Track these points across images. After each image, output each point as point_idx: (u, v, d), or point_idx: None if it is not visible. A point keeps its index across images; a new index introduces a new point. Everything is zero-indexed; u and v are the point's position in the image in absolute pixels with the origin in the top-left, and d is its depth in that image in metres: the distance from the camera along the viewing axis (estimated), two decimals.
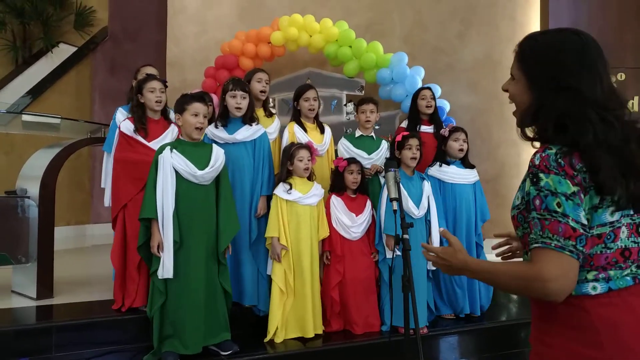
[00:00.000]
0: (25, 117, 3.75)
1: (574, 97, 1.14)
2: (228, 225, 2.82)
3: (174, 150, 2.71)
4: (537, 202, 1.12)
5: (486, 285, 3.49)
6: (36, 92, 5.94)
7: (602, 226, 1.12)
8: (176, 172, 2.69)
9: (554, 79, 1.17)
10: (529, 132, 1.23)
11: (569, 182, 1.09)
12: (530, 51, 1.22)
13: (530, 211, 1.14)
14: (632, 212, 1.15)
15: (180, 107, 2.75)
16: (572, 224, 1.08)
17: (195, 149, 2.78)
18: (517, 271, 1.15)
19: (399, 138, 3.28)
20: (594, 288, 1.13)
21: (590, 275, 1.14)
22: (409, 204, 3.16)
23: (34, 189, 3.42)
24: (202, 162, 2.74)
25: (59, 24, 6.27)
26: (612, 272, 1.14)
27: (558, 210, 1.09)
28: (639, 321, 1.12)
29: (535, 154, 1.15)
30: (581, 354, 1.12)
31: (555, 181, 1.10)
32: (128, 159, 3.07)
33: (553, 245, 1.09)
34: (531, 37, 1.25)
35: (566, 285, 1.10)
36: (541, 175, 1.11)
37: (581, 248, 1.09)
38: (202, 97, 2.84)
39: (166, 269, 2.63)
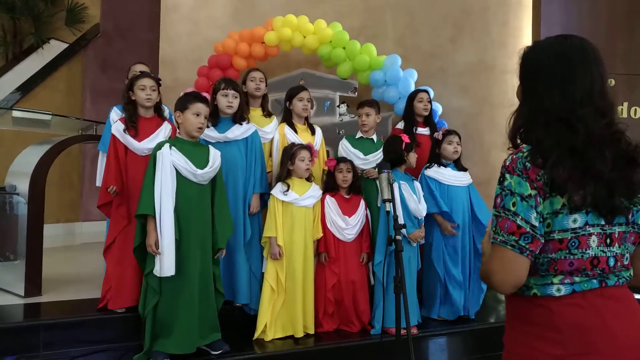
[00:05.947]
0: (15, 113, 3.71)
1: (537, 105, 1.22)
2: (223, 227, 2.81)
3: (172, 147, 2.68)
4: (498, 200, 1.20)
5: (478, 288, 3.51)
6: (26, 88, 5.89)
7: (563, 231, 1.16)
8: (175, 169, 2.66)
9: (527, 86, 1.28)
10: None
11: (527, 184, 1.16)
12: (522, 58, 1.31)
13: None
14: (603, 222, 1.17)
15: (183, 105, 2.73)
16: (519, 222, 1.15)
17: (194, 148, 2.76)
18: (482, 267, 1.25)
19: (406, 139, 3.26)
20: (558, 290, 1.18)
21: (556, 280, 1.19)
22: (419, 206, 3.19)
23: (23, 186, 3.38)
24: (200, 161, 2.73)
25: (50, 20, 6.21)
26: (577, 278, 1.18)
27: (511, 209, 1.17)
28: (604, 323, 1.15)
29: (509, 156, 1.23)
30: (543, 351, 1.16)
31: (516, 182, 1.17)
32: (112, 163, 3.03)
33: (499, 240, 1.17)
34: (530, 45, 1.32)
35: (507, 279, 1.16)
36: (507, 175, 1.20)
37: (524, 244, 1.15)
38: (205, 98, 2.83)
39: (166, 267, 2.56)
